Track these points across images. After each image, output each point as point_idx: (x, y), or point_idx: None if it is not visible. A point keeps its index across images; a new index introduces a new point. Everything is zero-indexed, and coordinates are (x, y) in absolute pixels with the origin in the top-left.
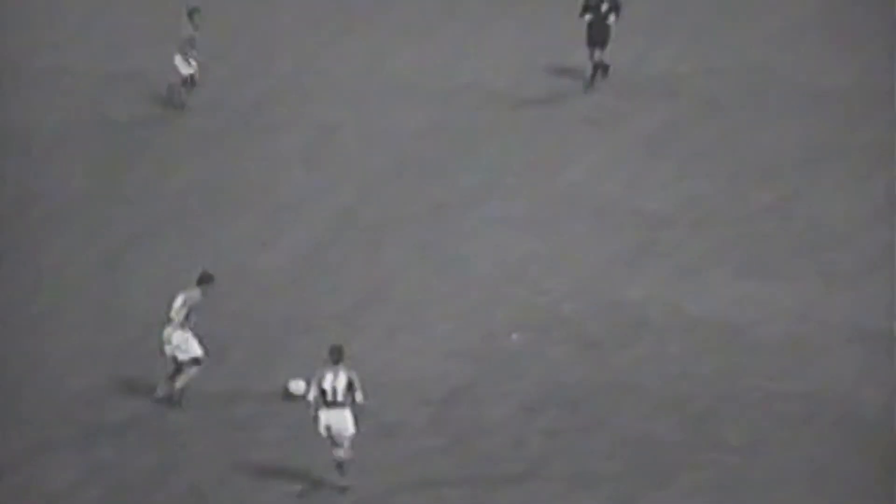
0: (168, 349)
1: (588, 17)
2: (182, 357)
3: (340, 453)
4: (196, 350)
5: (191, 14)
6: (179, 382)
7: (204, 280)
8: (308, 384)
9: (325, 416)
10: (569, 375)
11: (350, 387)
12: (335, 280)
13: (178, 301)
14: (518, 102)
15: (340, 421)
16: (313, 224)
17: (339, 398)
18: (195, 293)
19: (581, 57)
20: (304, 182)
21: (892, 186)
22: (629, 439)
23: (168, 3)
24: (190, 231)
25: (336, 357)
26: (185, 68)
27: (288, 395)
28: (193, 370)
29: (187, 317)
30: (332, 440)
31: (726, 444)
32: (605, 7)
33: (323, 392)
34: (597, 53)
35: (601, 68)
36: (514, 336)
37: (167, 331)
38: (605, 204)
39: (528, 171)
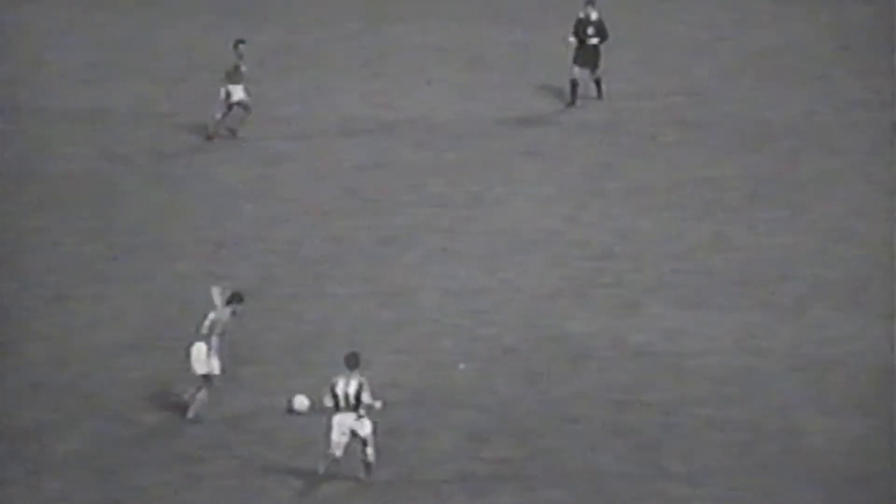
0: (194, 366)
1: (574, 40)
2: (198, 370)
3: (367, 452)
4: (213, 366)
5: (235, 45)
6: (192, 404)
7: (234, 300)
8: (311, 401)
9: (340, 420)
10: (514, 406)
11: (360, 391)
12: (280, 313)
13: (209, 319)
14: (461, 136)
15: (355, 424)
16: (258, 258)
17: (352, 402)
18: (224, 312)
19: (524, 92)
20: (250, 216)
21: (831, 220)
22: (574, 469)
23: (119, 40)
24: (137, 267)
25: (351, 363)
26: (238, 95)
27: (292, 412)
28: (202, 392)
29: (212, 334)
30: (356, 441)
31: (671, 473)
32: (591, 31)
33: (335, 397)
34: (587, 74)
35: (597, 87)
36: (462, 366)
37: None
38: (549, 237)
39: (472, 205)
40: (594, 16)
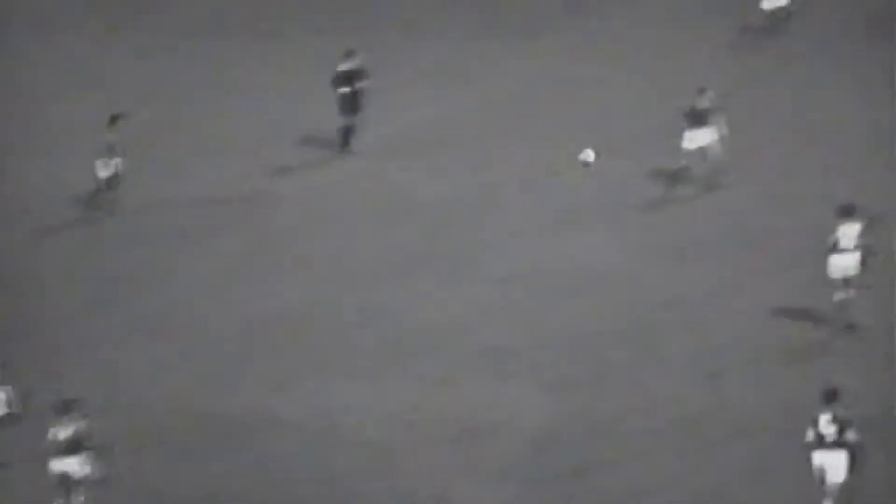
0: None
1: (341, 90)
2: None
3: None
4: None
5: (113, 119)
6: None
7: None
8: None
9: (54, 463)
10: (167, 488)
11: (79, 436)
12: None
13: None
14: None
15: (71, 466)
16: None
17: (69, 445)
18: None
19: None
20: None
21: (481, 290)
22: None
23: None
24: None
25: (59, 409)
26: (103, 171)
27: None
28: None
29: None
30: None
31: None
32: (354, 81)
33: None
34: (350, 119)
35: (350, 132)
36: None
37: None
38: (205, 314)
39: (133, 283)
40: (348, 66)
